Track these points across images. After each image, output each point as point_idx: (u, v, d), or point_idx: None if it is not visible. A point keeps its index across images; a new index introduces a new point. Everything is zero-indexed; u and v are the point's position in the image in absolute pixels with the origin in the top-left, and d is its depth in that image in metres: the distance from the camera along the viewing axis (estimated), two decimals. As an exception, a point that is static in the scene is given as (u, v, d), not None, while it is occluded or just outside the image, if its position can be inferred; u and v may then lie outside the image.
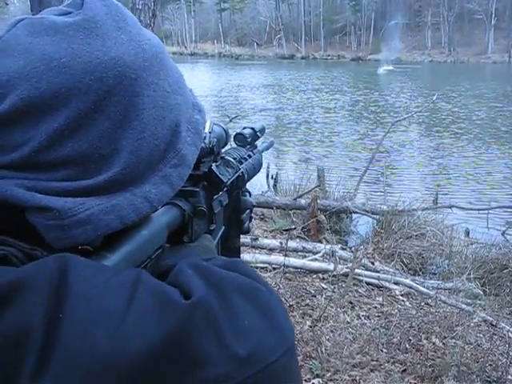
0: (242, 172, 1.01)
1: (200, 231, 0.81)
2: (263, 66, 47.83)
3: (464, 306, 3.83)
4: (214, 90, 25.51)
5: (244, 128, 1.20)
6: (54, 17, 0.56)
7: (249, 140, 1.16)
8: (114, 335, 0.44)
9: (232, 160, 0.98)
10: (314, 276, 4.24)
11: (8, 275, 0.46)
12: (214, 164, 0.87)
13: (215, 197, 0.88)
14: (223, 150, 0.99)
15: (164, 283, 0.52)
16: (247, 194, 1.08)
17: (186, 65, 42.29)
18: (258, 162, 1.16)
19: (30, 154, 0.53)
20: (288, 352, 0.52)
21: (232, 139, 1.13)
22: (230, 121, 10.08)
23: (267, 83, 30.30)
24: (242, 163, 1.05)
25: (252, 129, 1.19)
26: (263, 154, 1.28)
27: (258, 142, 1.25)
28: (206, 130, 0.83)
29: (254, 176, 1.15)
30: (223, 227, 0.96)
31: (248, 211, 1.07)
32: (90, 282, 0.47)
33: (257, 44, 72.35)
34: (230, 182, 0.93)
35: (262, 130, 1.22)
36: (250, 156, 1.12)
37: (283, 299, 3.64)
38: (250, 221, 1.10)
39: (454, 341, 3.14)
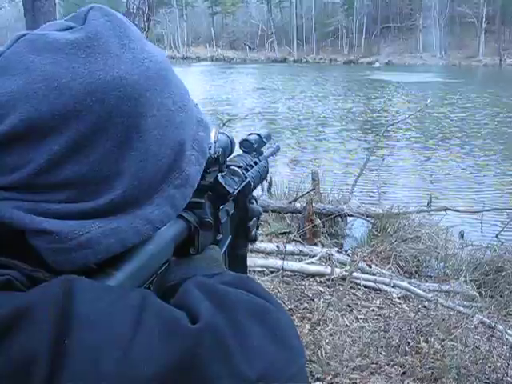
0: (249, 180, 1.00)
1: (206, 242, 0.80)
2: (256, 70, 47.89)
3: (461, 309, 3.84)
4: (207, 93, 25.49)
5: (250, 134, 1.19)
6: (55, 33, 0.55)
7: (255, 146, 1.16)
8: (121, 361, 0.44)
9: (238, 169, 0.97)
10: (312, 279, 4.25)
11: (13, 302, 0.45)
12: (219, 174, 0.86)
13: (221, 207, 0.86)
14: (229, 158, 0.99)
15: (170, 306, 0.51)
16: (254, 201, 1.07)
17: (178, 69, 42.16)
18: (264, 169, 1.16)
19: (30, 176, 0.52)
20: (299, 372, 0.52)
21: (238, 146, 1.13)
22: (224, 124, 10.08)
23: (260, 87, 30.34)
24: (248, 171, 1.05)
25: (258, 135, 1.18)
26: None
27: (264, 148, 1.25)
28: (212, 140, 0.82)
29: (260, 183, 1.15)
30: (230, 236, 0.95)
31: (255, 219, 1.06)
32: (96, 306, 0.46)
33: (249, 47, 72.43)
34: (236, 191, 0.92)
35: (268, 137, 1.22)
36: (256, 163, 1.12)
37: (282, 302, 3.65)
38: (258, 228, 1.09)
39: (452, 343, 3.15)
